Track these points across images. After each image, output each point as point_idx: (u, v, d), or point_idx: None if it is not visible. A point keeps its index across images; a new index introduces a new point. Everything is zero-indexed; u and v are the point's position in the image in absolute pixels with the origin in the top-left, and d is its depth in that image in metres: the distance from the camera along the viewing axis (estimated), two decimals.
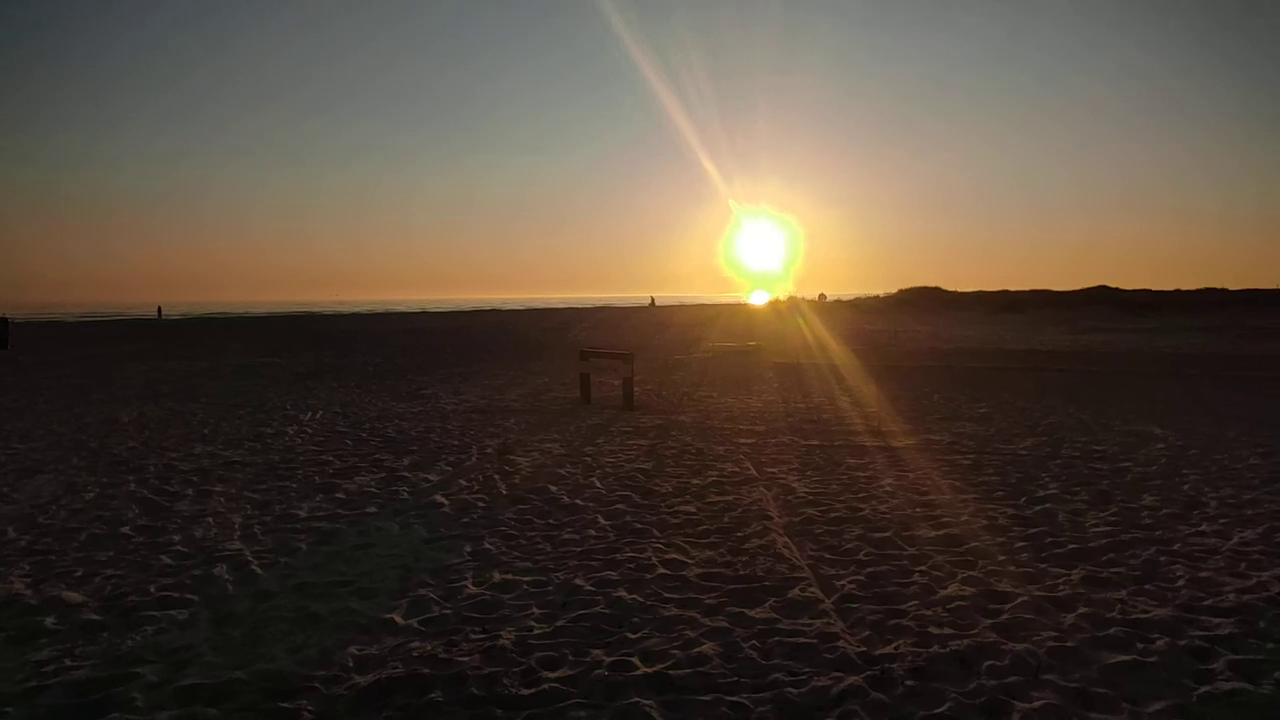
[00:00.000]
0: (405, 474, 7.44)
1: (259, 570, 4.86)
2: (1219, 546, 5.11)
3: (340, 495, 6.66)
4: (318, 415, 11.07)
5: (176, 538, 5.50)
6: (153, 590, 4.51)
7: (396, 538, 5.53)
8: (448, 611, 4.25)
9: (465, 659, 3.70)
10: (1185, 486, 6.69)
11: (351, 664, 3.64)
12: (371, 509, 6.25)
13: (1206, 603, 4.18)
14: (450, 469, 7.66)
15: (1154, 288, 50.84)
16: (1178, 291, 49.41)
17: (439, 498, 6.56)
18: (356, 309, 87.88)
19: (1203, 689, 3.28)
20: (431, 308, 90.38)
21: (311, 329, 40.95)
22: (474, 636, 3.94)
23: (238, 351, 24.77)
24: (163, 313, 64.32)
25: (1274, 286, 48.57)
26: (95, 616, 4.16)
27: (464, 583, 4.65)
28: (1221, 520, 5.70)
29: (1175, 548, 5.10)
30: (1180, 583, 4.48)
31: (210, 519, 5.97)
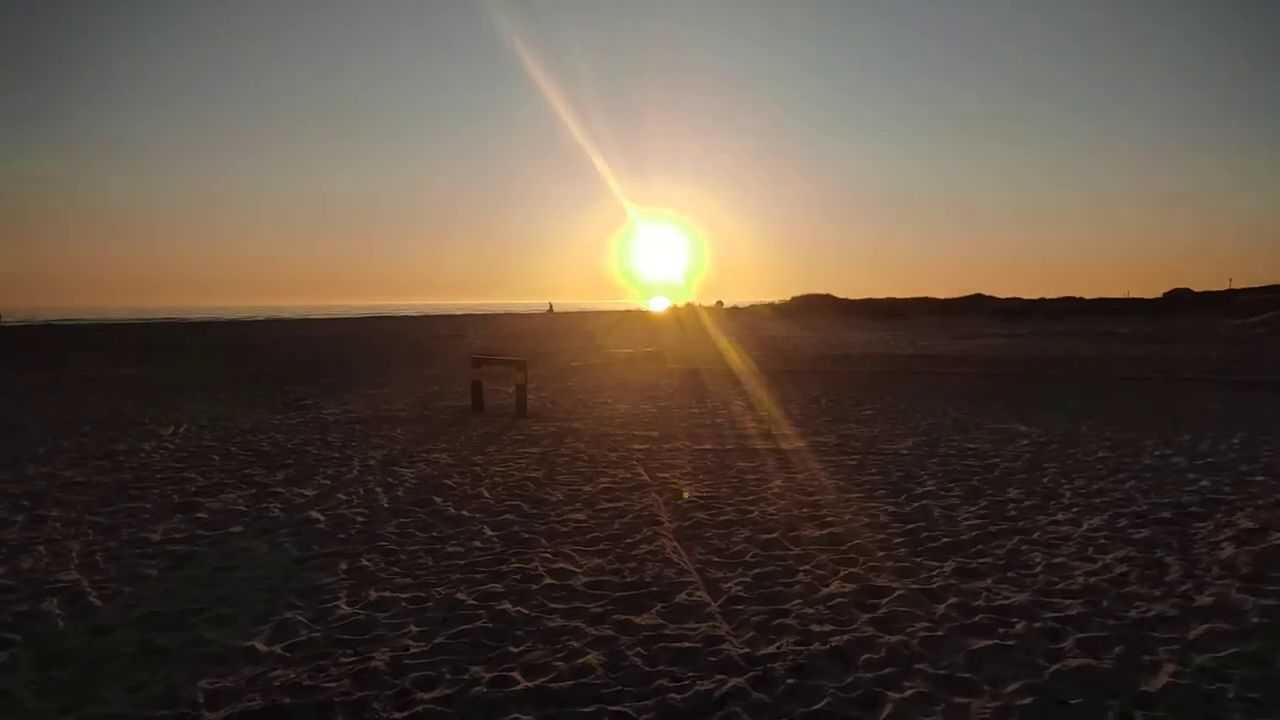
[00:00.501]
0: (278, 489, 6.95)
1: (98, 602, 4.38)
2: (1071, 534, 5.49)
3: (202, 515, 6.14)
4: (181, 429, 10.22)
5: None
6: None
7: (264, 558, 5.14)
8: (316, 635, 3.97)
9: (333, 685, 3.46)
10: (1045, 479, 7.18)
11: (201, 699, 3.32)
12: (237, 528, 5.78)
13: (1059, 586, 4.47)
14: (329, 483, 7.23)
15: (1024, 296, 55.13)
16: (1043, 299, 53.77)
17: (314, 514, 6.16)
18: (234, 315, 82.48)
19: (1054, 667, 3.49)
20: (319, 314, 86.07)
21: (179, 337, 38.05)
22: (344, 660, 3.70)
23: (87, 362, 22.63)
24: (2, 319, 57.65)
25: (1122, 296, 53.75)
26: None
27: (336, 603, 4.37)
28: (1074, 509, 6.14)
29: (1035, 536, 5.45)
30: (1038, 569, 4.78)
31: (42, 547, 5.33)
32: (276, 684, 3.46)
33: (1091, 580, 4.54)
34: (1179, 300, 51.24)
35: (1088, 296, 53.72)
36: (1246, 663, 3.49)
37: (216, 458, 8.37)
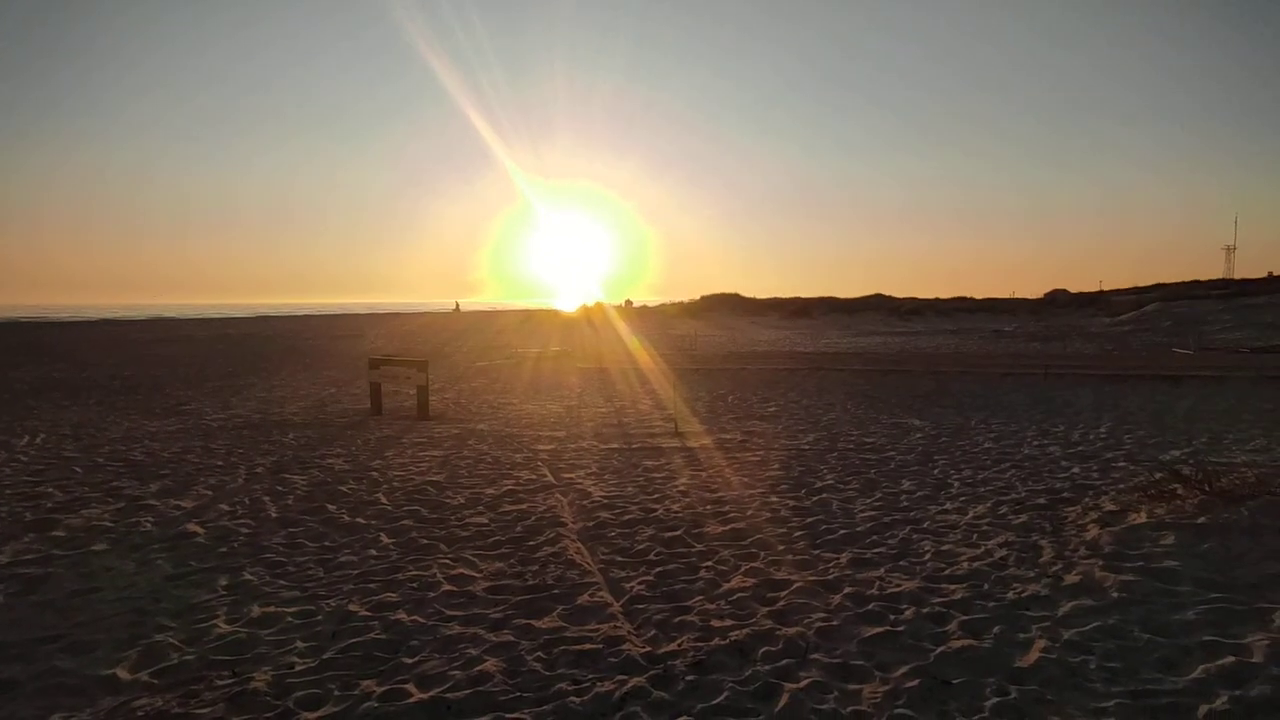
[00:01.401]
0: (151, 502, 6.44)
1: None
2: (958, 522, 5.78)
3: (59, 533, 5.60)
4: (38, 439, 9.33)
5: None
6: None
7: (131, 577, 4.74)
8: (190, 657, 3.68)
9: (205, 710, 3.21)
10: (935, 471, 7.54)
11: None
12: (100, 546, 5.31)
13: (946, 572, 4.69)
14: (210, 493, 6.76)
15: (920, 295, 58.02)
16: (937, 299, 56.79)
17: (192, 526, 5.74)
18: (108, 315, 76.41)
19: (939, 649, 3.64)
20: (205, 314, 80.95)
21: (39, 338, 34.85)
22: (219, 683, 3.44)
23: None
24: None
25: (1009, 296, 57.49)
26: None
27: (214, 622, 4.07)
28: (961, 499, 6.46)
29: (925, 526, 5.70)
30: (927, 557, 4.99)
31: None
32: (140, 714, 3.18)
33: (975, 565, 4.79)
34: (1058, 300, 55.33)
35: (977, 296, 57.21)
36: (1107, 634, 3.75)
37: (79, 469, 7.67)
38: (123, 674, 3.53)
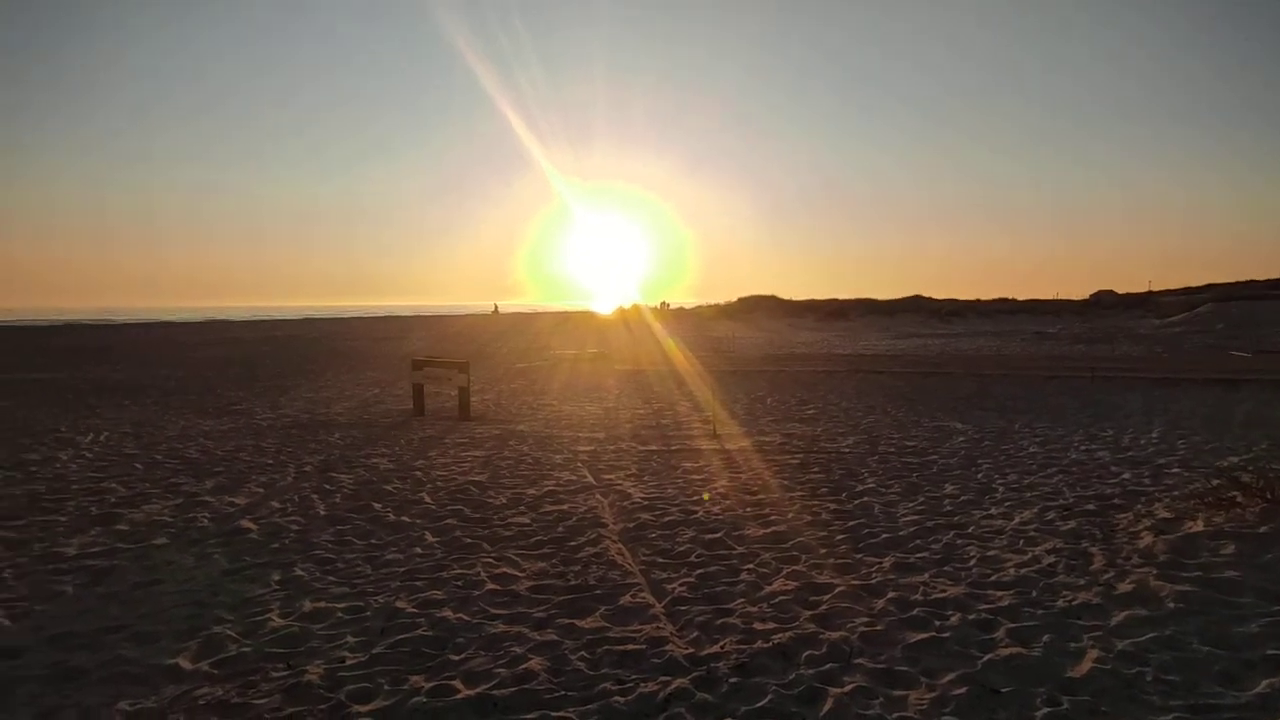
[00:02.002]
0: (207, 499, 6.67)
1: (6, 622, 4.11)
2: (1004, 527, 5.67)
3: (123, 527, 5.83)
4: (101, 437, 9.72)
5: None
6: None
7: (190, 571, 4.91)
8: (246, 649, 3.80)
9: (263, 701, 3.32)
10: (979, 475, 7.41)
11: None
12: (161, 540, 5.52)
13: (992, 578, 4.61)
14: (261, 490, 6.97)
15: (960, 297, 56.93)
16: (977, 301, 55.64)
17: (245, 523, 5.93)
18: (162, 317, 79.08)
19: (986, 657, 3.59)
20: (254, 316, 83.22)
21: (102, 340, 36.23)
22: (276, 675, 3.55)
23: (3, 366, 21.37)
24: None
25: (1052, 297, 56.08)
26: None
27: (268, 615, 4.20)
28: (1006, 503, 6.35)
29: (970, 531, 5.61)
30: (972, 562, 4.92)
31: None
32: (202, 703, 3.30)
33: (1022, 572, 4.70)
34: (1104, 301, 53.78)
35: (1019, 298, 55.90)
36: (1164, 646, 3.65)
37: (139, 466, 7.98)
38: (184, 664, 3.66)
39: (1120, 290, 55.88)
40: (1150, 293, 53.80)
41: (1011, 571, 4.71)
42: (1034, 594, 4.34)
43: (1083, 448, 8.66)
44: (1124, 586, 4.38)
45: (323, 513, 6.23)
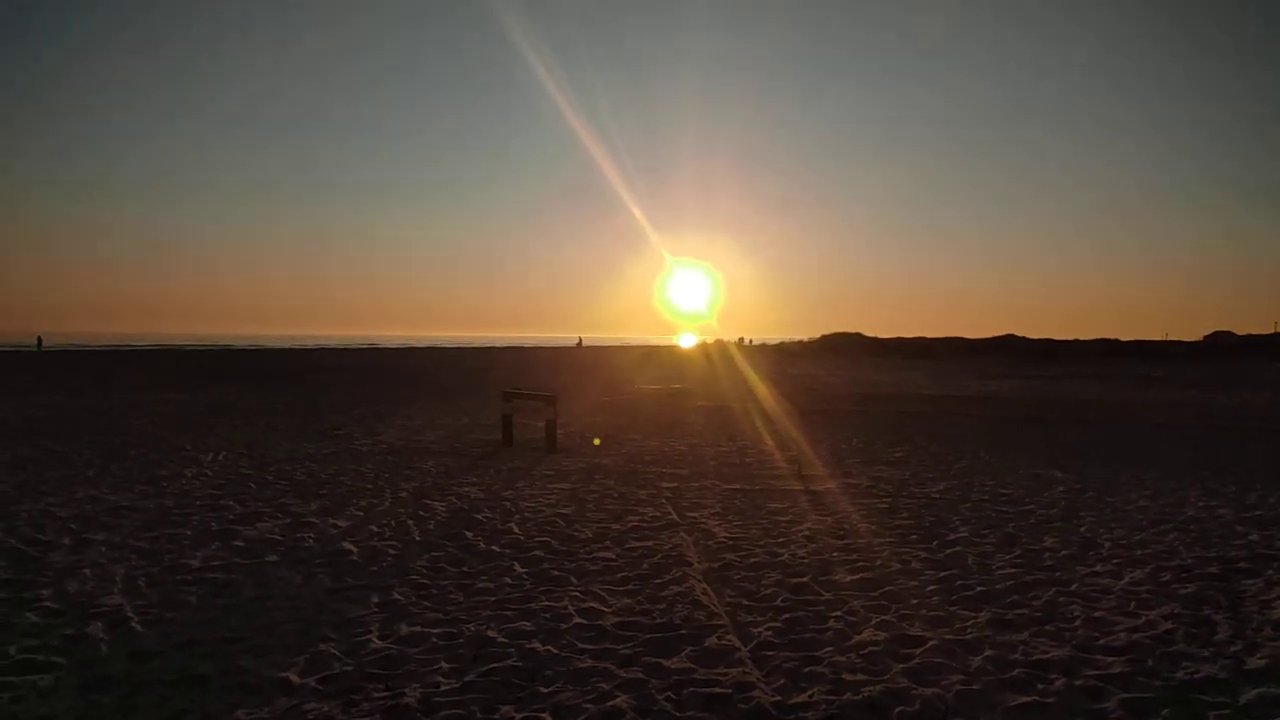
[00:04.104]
0: (312, 519, 7.07)
1: (140, 627, 4.48)
2: (1112, 587, 5.35)
3: (239, 543, 6.26)
4: (219, 456, 10.46)
5: (46, 593, 5.03)
6: (13, 653, 4.08)
7: (298, 589, 5.22)
8: (349, 668, 4.00)
9: None
10: (1082, 529, 7.02)
11: None
12: (273, 557, 5.89)
13: (1100, 642, 4.35)
14: (361, 514, 7.33)
15: (1056, 337, 54.23)
16: (1076, 341, 52.83)
17: (347, 545, 6.25)
18: (268, 344, 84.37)
19: None
20: (350, 344, 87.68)
21: (217, 364, 38.99)
22: (376, 695, 3.72)
23: (131, 387, 23.29)
24: (43, 343, 59.47)
25: (1160, 338, 52.61)
26: None
27: (369, 636, 4.41)
28: (1114, 561, 5.98)
29: (1073, 588, 5.32)
30: (1077, 623, 4.66)
31: (88, 571, 5.49)
32: (311, 716, 3.49)
33: (1135, 637, 4.42)
34: (1221, 343, 50.01)
35: (1124, 338, 52.74)
36: None
37: (253, 485, 8.54)
38: (294, 678, 3.88)
39: (1239, 331, 51.84)
40: (1278, 333, 49.65)
41: (1123, 635, 4.44)
42: (1150, 663, 4.07)
43: (1200, 504, 8.07)
44: (1255, 661, 4.06)
45: (418, 538, 6.50)
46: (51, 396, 19.73)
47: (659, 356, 49.06)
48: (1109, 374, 34.98)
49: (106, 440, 11.86)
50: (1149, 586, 5.35)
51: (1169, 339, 52.73)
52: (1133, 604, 4.99)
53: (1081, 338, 53.55)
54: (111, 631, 4.41)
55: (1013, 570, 5.72)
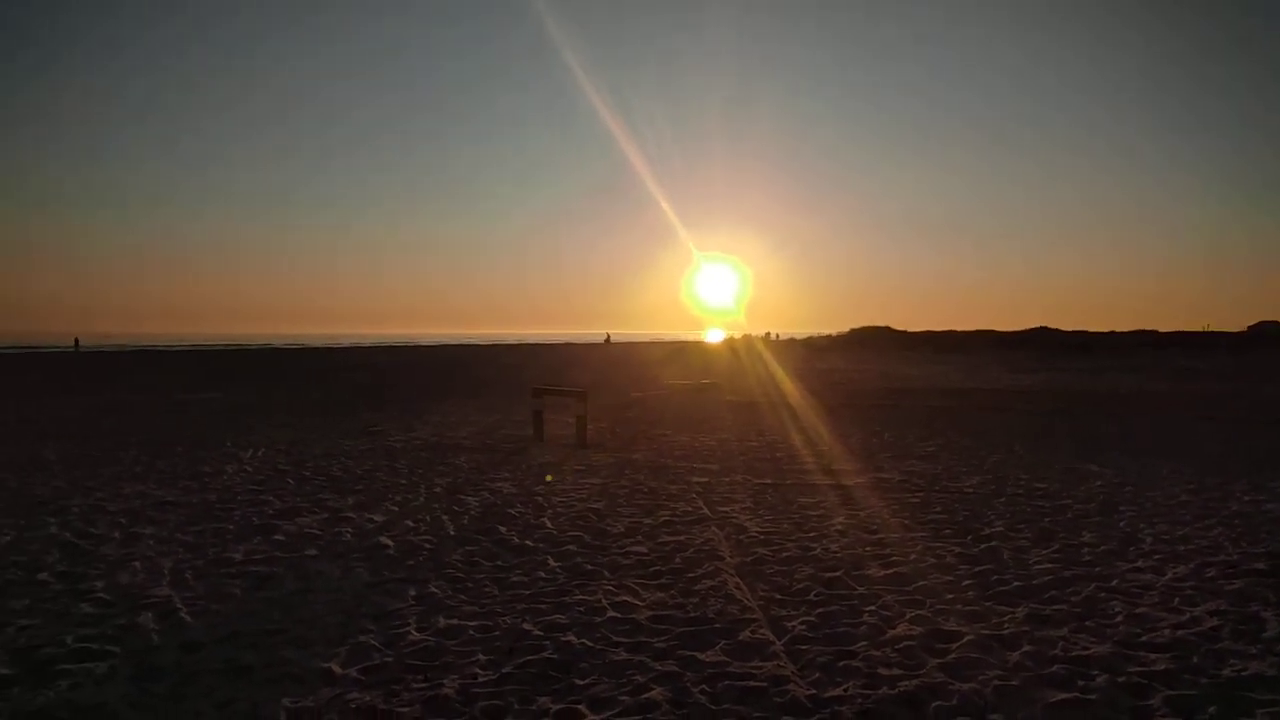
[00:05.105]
0: (349, 514, 7.21)
1: (188, 618, 4.62)
2: (1154, 582, 5.25)
3: (280, 537, 6.41)
4: (259, 453, 10.70)
5: (99, 584, 5.21)
6: (70, 641, 4.25)
7: (337, 582, 5.33)
8: (389, 659, 4.09)
9: (406, 710, 3.56)
10: (1122, 523, 6.89)
11: (284, 718, 3.46)
12: (312, 551, 6.02)
13: (1143, 639, 4.28)
14: (397, 509, 7.46)
15: (1090, 329, 52.99)
16: (1112, 333, 51.60)
17: (384, 539, 6.36)
18: (302, 343, 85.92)
19: None
20: (382, 343, 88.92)
21: (253, 363, 39.81)
22: (416, 686, 3.80)
23: (169, 386, 23.89)
24: (79, 344, 61.39)
25: (1201, 329, 51.17)
26: (5, 670, 3.89)
27: (407, 628, 4.49)
28: (1156, 556, 5.87)
29: (1113, 584, 5.23)
30: (1119, 619, 4.59)
31: (138, 563, 5.67)
32: (353, 706, 3.58)
33: (1179, 633, 4.34)
34: (1266, 333, 48.51)
35: (1162, 329, 51.36)
36: None
37: (291, 481, 8.73)
38: (336, 668, 3.98)
39: None
40: None
41: (1166, 632, 4.36)
42: (1195, 659, 4.00)
43: (1246, 498, 7.87)
44: None
45: (452, 533, 6.59)
46: (95, 396, 20.33)
47: (686, 352, 48.99)
48: (1147, 366, 34.17)
49: (151, 437, 12.20)
50: (1193, 582, 5.24)
51: (1209, 329, 51.23)
52: (1176, 600, 4.90)
53: (1117, 329, 52.29)
54: (161, 622, 4.55)
55: (1050, 565, 5.65)
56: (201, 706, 3.56)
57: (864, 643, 4.28)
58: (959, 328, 56.42)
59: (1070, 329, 53.29)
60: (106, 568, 5.57)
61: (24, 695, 3.64)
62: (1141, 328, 52.50)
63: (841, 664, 4.00)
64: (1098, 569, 5.56)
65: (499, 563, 5.77)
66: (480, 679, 3.86)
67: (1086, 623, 4.54)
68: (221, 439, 12.01)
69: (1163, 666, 3.91)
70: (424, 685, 3.80)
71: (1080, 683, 3.75)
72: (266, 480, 8.78)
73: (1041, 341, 49.92)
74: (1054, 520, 7.01)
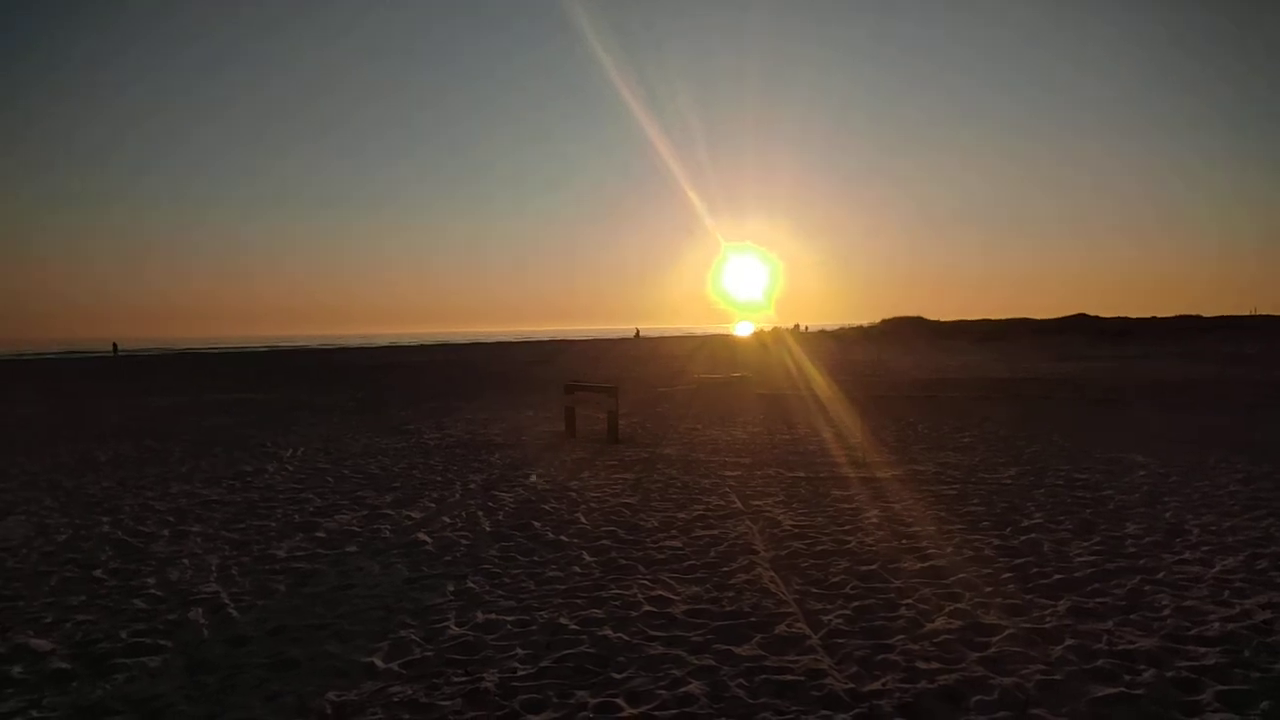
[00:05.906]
0: (387, 511, 7.34)
1: (235, 614, 4.75)
2: (1202, 575, 5.12)
3: (320, 534, 6.55)
4: (299, 452, 10.93)
5: (151, 580, 5.38)
6: (124, 636, 4.39)
7: (377, 578, 5.43)
8: (429, 654, 4.16)
9: (447, 703, 3.62)
10: (1167, 514, 6.73)
11: (330, 711, 3.54)
12: (352, 548, 6.14)
13: (1192, 632, 4.18)
14: (433, 505, 7.57)
15: (1131, 315, 51.52)
16: (1154, 319, 50.14)
17: (421, 535, 6.46)
18: (337, 343, 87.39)
19: None
20: (414, 341, 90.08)
21: (286, 365, 40.61)
22: (456, 679, 3.86)
23: (213, 387, 24.48)
24: (118, 349, 63.16)
25: (1247, 314, 49.47)
26: (64, 665, 4.04)
27: (446, 623, 4.57)
28: (1204, 548, 5.72)
29: (1159, 576, 5.11)
30: (1165, 612, 4.48)
31: (186, 560, 5.84)
32: (396, 700, 3.65)
33: (1229, 627, 4.23)
34: None
35: (1208, 314, 49.74)
36: None
37: (331, 479, 8.91)
38: (378, 662, 4.06)
39: None
40: None
41: (1216, 626, 4.25)
42: (1246, 654, 3.90)
43: None
44: None
45: (488, 529, 6.68)
46: (138, 398, 20.92)
47: (717, 346, 48.83)
48: (1192, 352, 33.18)
49: (194, 438, 12.53)
50: (1243, 575, 5.10)
51: (1257, 313, 49.44)
52: (1226, 593, 4.78)
53: (1159, 315, 50.72)
54: (210, 617, 4.69)
55: (1092, 558, 5.54)
56: (251, 699, 3.66)
57: (901, 636, 4.24)
58: (995, 316, 55.29)
59: (1110, 315, 51.89)
60: (157, 565, 5.75)
61: (82, 689, 3.78)
62: (1184, 313, 50.90)
63: (879, 658, 3.97)
64: (1142, 561, 5.44)
65: (535, 558, 5.83)
66: (519, 673, 3.91)
67: (1131, 616, 4.45)
68: (262, 439, 12.29)
69: (1213, 661, 3.82)
70: (464, 679, 3.86)
71: (1127, 677, 3.68)
72: (307, 479, 8.97)
73: (1081, 329, 48.69)
74: (1095, 512, 6.87)
